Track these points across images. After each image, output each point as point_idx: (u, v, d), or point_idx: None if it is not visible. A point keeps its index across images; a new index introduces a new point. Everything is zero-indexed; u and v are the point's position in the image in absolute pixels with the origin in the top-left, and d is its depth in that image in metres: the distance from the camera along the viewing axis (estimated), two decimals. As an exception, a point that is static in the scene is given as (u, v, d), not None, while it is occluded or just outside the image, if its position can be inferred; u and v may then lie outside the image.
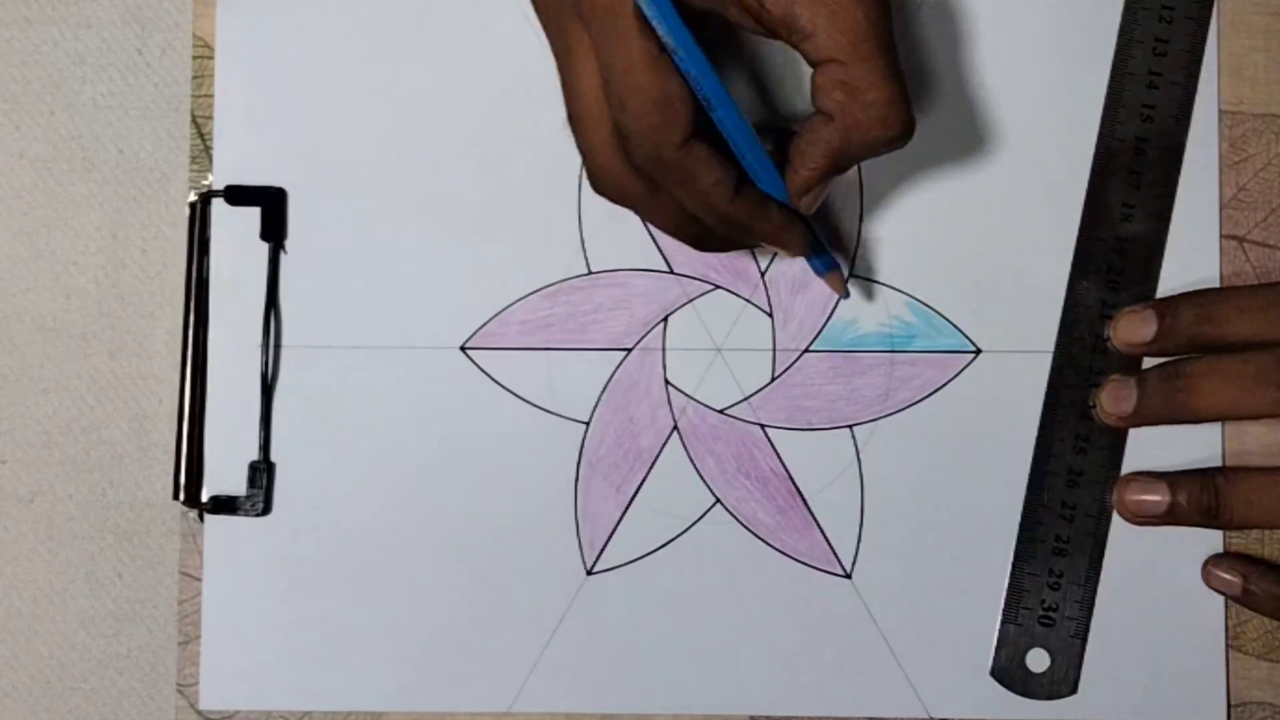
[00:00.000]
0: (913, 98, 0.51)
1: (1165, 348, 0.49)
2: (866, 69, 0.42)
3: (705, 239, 0.47)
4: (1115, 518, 0.50)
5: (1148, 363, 0.50)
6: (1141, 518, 0.50)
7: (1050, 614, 0.50)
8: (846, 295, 0.51)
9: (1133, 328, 0.50)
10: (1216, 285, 0.51)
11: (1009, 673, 0.50)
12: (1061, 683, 0.50)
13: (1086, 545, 0.50)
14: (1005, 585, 0.50)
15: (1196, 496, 0.49)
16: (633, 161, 0.44)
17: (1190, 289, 0.51)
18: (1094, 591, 0.50)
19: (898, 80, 0.43)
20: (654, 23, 0.42)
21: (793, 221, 0.46)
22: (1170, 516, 0.49)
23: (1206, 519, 0.49)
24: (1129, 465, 0.51)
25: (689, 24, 0.42)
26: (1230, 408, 0.48)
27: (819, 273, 0.50)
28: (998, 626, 0.50)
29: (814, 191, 0.45)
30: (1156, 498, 0.49)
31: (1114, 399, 0.49)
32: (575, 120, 0.44)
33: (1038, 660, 0.50)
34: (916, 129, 0.50)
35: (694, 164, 0.43)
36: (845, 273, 0.50)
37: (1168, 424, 0.50)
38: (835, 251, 0.50)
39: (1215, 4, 0.51)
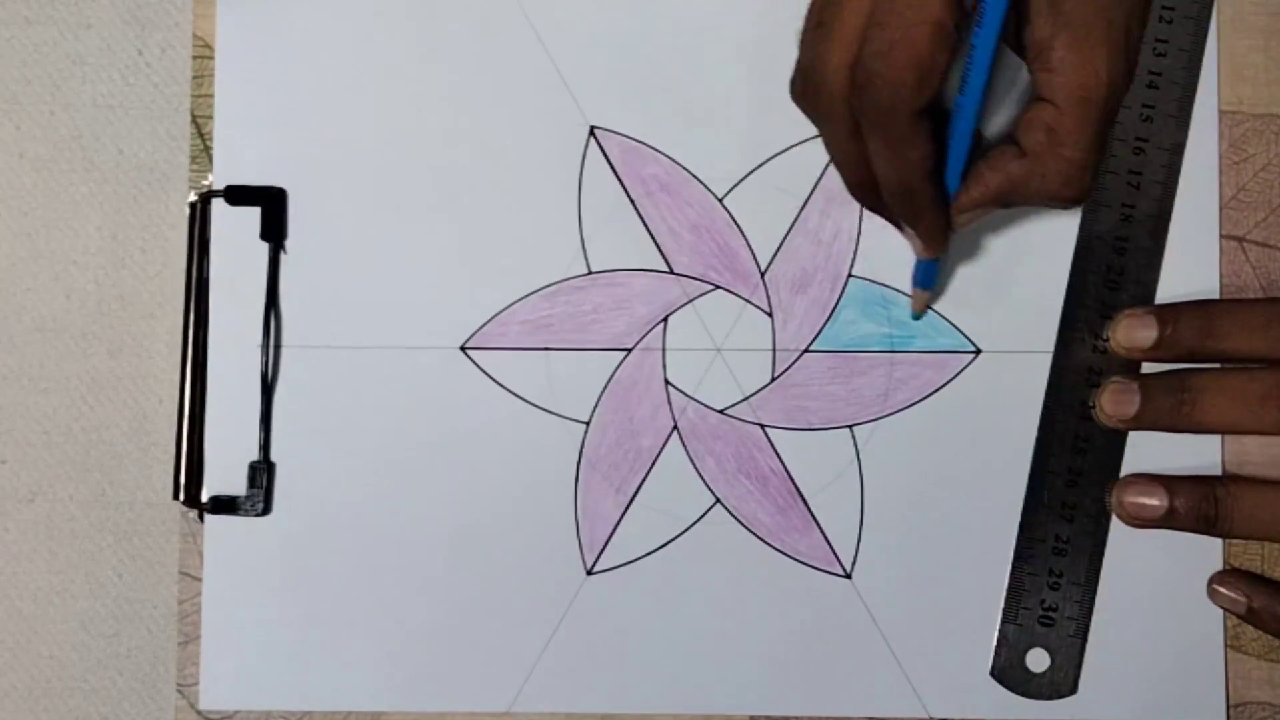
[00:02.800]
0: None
1: (1164, 356, 0.49)
2: (1080, 126, 0.43)
3: (862, 188, 0.46)
4: (1115, 518, 0.50)
5: (1147, 366, 0.50)
6: (1138, 521, 0.49)
7: (1050, 614, 0.50)
8: (918, 318, 0.51)
9: (1133, 332, 0.49)
10: (1216, 285, 0.51)
11: (1009, 673, 0.50)
12: (1061, 683, 0.50)
13: (1086, 545, 0.50)
14: (1003, 584, 0.50)
15: (1195, 505, 0.48)
16: (855, 99, 0.43)
17: (1191, 290, 0.50)
18: (1094, 591, 0.50)
19: (1099, 151, 0.43)
20: None
21: (948, 227, 0.46)
22: (1168, 521, 0.49)
23: (1204, 527, 0.48)
24: (1129, 466, 0.50)
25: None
26: (1234, 425, 0.48)
27: (917, 283, 0.50)
28: (997, 626, 0.50)
29: (973, 214, 0.45)
30: (1155, 502, 0.49)
31: (1116, 402, 0.49)
32: (824, 34, 0.43)
33: (1037, 660, 0.50)
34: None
35: (915, 134, 0.43)
36: (931, 296, 0.51)
37: (1168, 431, 0.49)
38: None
39: (1215, 4, 0.51)
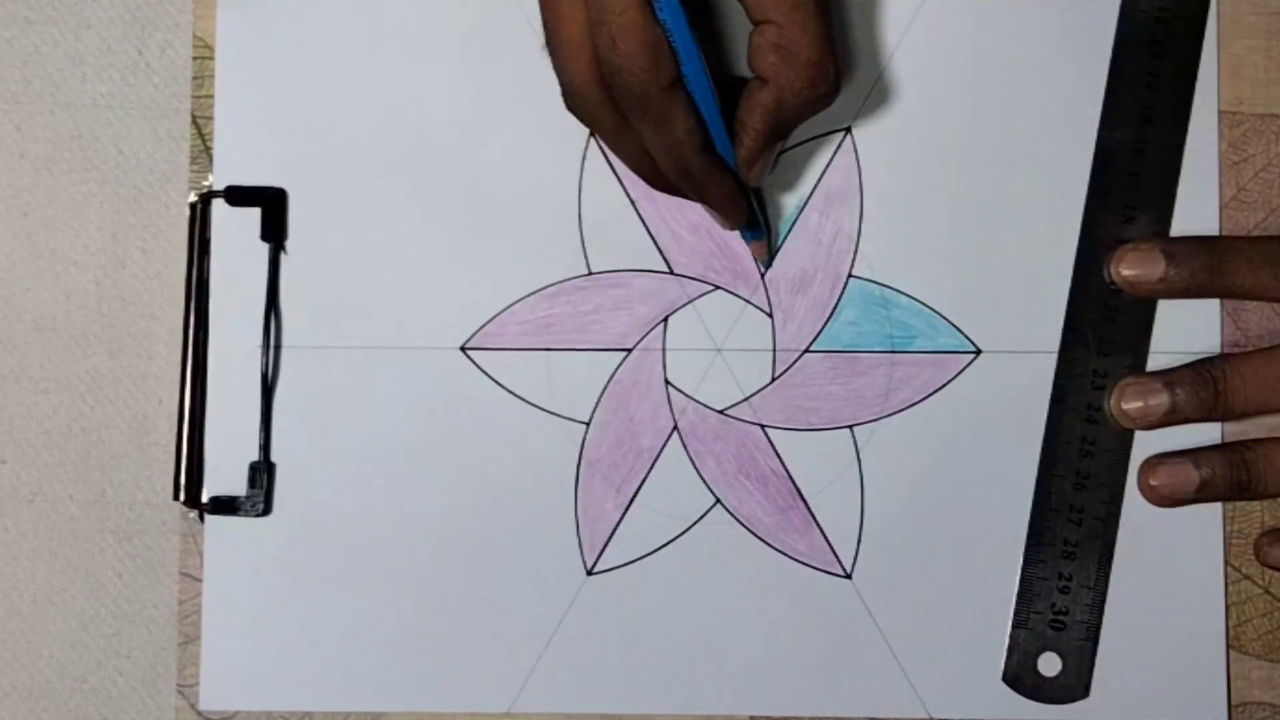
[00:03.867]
0: (912, 98, 0.51)
1: (1167, 291, 0.49)
2: (800, 31, 0.43)
3: (654, 177, 0.47)
4: (1121, 520, 0.49)
5: (1151, 363, 0.50)
6: (1173, 500, 0.49)
7: (1061, 618, 0.49)
8: (768, 265, 0.51)
9: (1141, 265, 0.49)
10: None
11: (1021, 678, 0.49)
12: (1074, 686, 0.49)
13: (1095, 548, 0.49)
14: (1003, 584, 0.49)
15: (1228, 472, 0.48)
16: (613, 95, 0.44)
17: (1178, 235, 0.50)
18: (1104, 594, 0.49)
19: (828, 42, 0.44)
20: None
21: (740, 193, 0.47)
22: (1203, 493, 0.48)
23: (1237, 493, 0.48)
24: (1135, 468, 0.50)
25: None
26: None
27: (747, 241, 0.50)
28: (1008, 631, 0.49)
29: (760, 162, 0.46)
30: (1186, 478, 0.48)
31: (1144, 408, 0.49)
32: (556, 48, 0.44)
33: (1049, 664, 0.49)
34: (917, 127, 0.50)
35: (673, 109, 0.44)
36: (768, 243, 0.50)
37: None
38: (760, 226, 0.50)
39: (1214, 4, 0.51)
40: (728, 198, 0.47)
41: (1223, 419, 0.49)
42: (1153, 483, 0.49)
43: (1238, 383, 0.48)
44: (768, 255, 0.50)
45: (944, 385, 0.50)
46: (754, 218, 0.49)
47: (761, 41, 0.44)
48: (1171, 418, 0.48)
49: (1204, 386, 0.48)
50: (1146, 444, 0.50)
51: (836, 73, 0.44)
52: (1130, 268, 0.49)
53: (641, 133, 0.45)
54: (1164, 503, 0.49)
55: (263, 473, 0.50)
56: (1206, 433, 0.50)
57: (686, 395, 0.50)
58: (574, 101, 0.45)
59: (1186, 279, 0.48)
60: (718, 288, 0.51)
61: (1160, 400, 0.48)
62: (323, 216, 0.51)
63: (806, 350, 0.50)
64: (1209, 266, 0.48)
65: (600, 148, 0.51)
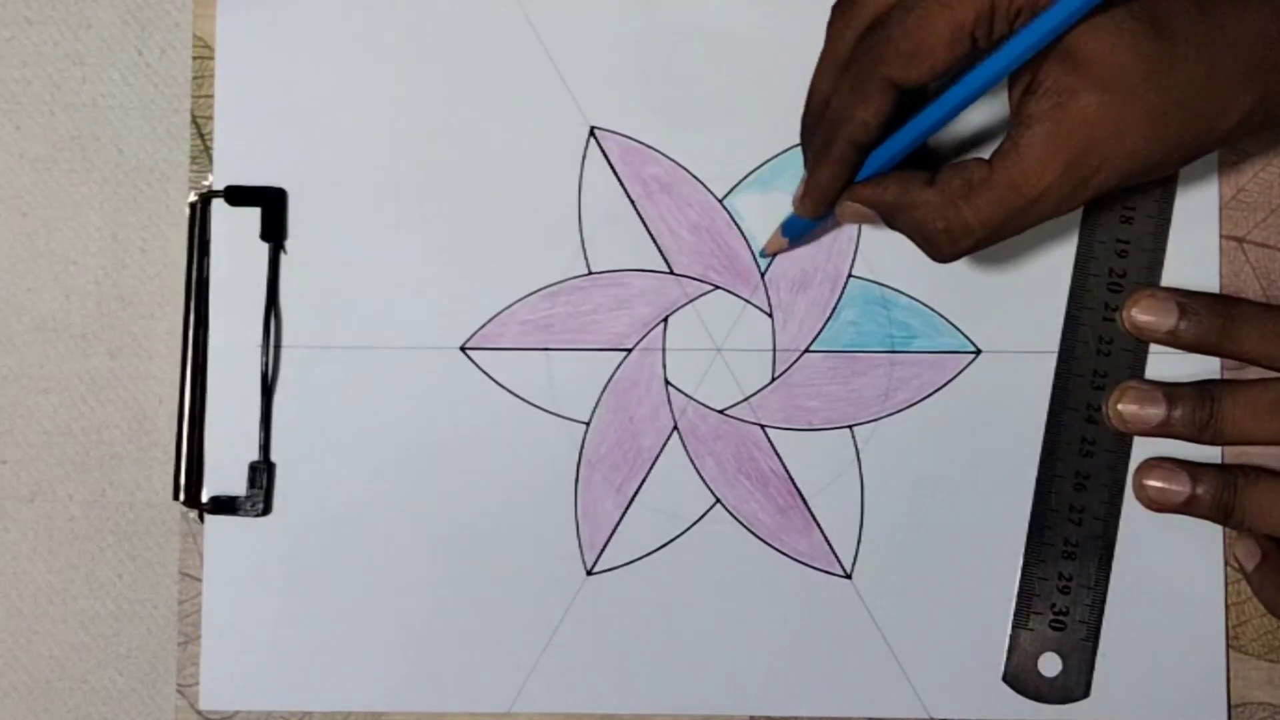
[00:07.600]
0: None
1: (1175, 343, 0.48)
2: (994, 206, 0.42)
3: (810, 118, 0.45)
4: (1121, 520, 0.48)
5: (1151, 364, 0.49)
6: (1159, 506, 0.48)
7: (1061, 618, 0.48)
8: (766, 261, 0.49)
9: (1154, 313, 0.48)
10: (1216, 286, 0.49)
11: (1021, 678, 0.48)
12: (1074, 686, 0.48)
13: (1095, 548, 0.48)
14: (1003, 584, 0.48)
15: (1218, 492, 0.47)
16: (864, 38, 0.42)
17: (1194, 289, 0.49)
18: (1104, 594, 0.48)
19: (991, 237, 0.43)
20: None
21: (830, 200, 0.45)
22: (1187, 507, 0.47)
23: (1221, 517, 0.47)
24: (1135, 467, 0.49)
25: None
26: (1247, 434, 0.47)
27: (784, 233, 0.48)
28: (1008, 631, 0.48)
29: (857, 208, 0.44)
30: (1178, 488, 0.47)
31: (1138, 414, 0.48)
32: None
33: (1049, 664, 0.48)
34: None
35: (880, 98, 0.42)
36: (786, 247, 0.49)
37: (1187, 440, 0.48)
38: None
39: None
40: (825, 191, 0.45)
41: (1211, 443, 0.48)
42: (1146, 483, 0.48)
43: (1229, 407, 0.47)
44: (773, 255, 0.49)
45: (944, 385, 0.49)
46: (811, 226, 0.47)
47: (967, 166, 0.42)
48: (1162, 430, 0.47)
49: (1201, 407, 0.47)
50: (1147, 445, 0.49)
51: (960, 255, 0.43)
52: (1144, 313, 0.48)
53: (841, 80, 0.43)
54: (1151, 505, 0.48)
55: (263, 473, 0.49)
56: (1209, 449, 0.49)
57: (686, 395, 0.50)
58: (840, 6, 0.43)
59: (1197, 336, 0.47)
60: (718, 288, 0.50)
61: (1156, 411, 0.47)
62: (323, 216, 0.50)
63: (806, 350, 0.50)
64: (1220, 329, 0.47)
65: (604, 154, 0.50)
